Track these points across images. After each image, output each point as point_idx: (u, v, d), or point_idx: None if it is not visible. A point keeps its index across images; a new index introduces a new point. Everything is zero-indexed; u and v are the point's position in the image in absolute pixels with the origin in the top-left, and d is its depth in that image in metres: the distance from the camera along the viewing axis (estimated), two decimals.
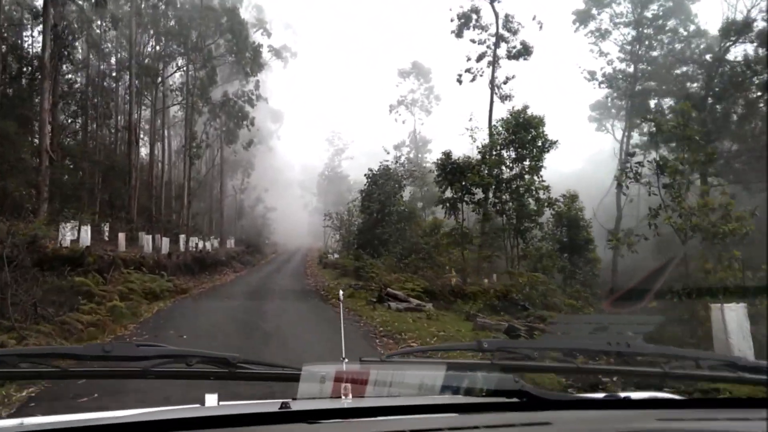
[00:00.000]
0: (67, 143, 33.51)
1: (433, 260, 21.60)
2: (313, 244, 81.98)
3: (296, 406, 1.44)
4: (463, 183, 21.49)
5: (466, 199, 21.87)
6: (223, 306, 15.96)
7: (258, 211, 75.08)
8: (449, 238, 21.48)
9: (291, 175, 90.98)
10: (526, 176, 20.25)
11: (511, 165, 20.46)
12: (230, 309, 14.91)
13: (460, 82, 26.42)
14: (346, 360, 1.73)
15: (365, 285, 18.50)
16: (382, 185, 25.33)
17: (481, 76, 26.05)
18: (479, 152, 21.30)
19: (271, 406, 1.43)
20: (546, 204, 20.27)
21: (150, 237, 24.83)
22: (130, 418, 1.45)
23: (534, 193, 20.16)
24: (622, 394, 1.71)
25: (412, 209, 25.85)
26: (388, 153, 34.90)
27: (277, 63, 56.22)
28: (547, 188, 21.45)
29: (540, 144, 20.81)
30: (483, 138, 23.45)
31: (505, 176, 20.64)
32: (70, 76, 35.47)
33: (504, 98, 24.65)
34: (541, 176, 20.59)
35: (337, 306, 13.85)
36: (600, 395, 1.75)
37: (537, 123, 20.72)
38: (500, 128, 21.56)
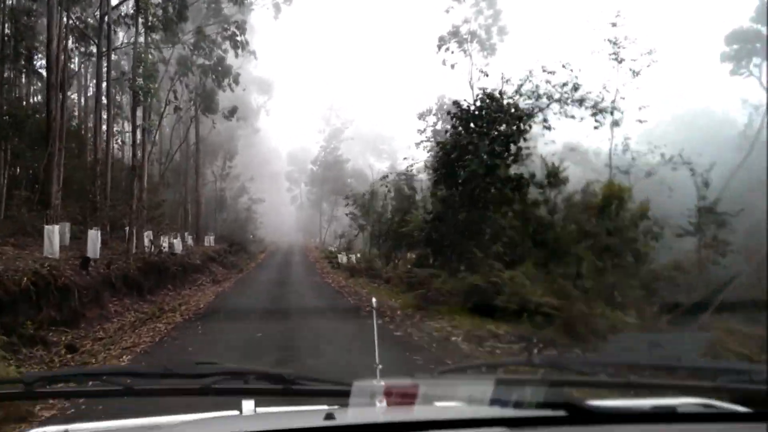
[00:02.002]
0: None
1: (634, 269, 10.49)
2: (306, 242, 71.11)
3: (341, 416, 1.40)
4: None
5: None
6: None
7: (242, 203, 63.14)
8: None
9: (278, 164, 79.61)
10: None
11: None
12: None
13: None
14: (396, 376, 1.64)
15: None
16: (488, 125, 13.80)
17: None
18: None
19: (315, 415, 1.41)
20: None
21: (54, 228, 13.44)
22: (171, 426, 1.63)
23: None
24: (675, 404, 1.56)
25: (553, 172, 13.98)
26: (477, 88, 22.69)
27: (267, 12, 44.64)
28: None
29: None
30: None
31: None
32: None
33: None
34: None
35: None
36: (650, 405, 1.57)
37: None
38: None
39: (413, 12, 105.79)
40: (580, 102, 14.49)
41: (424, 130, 41.31)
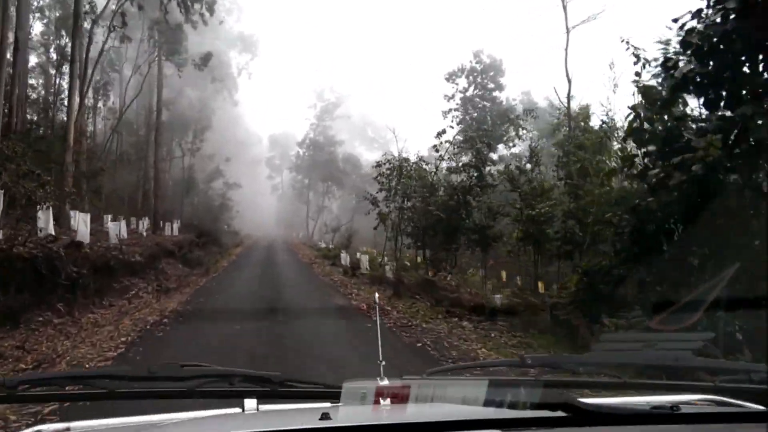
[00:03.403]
0: None
1: None
2: (288, 236, 61.98)
3: (335, 414, 1.40)
4: None
5: None
6: None
7: (216, 188, 53.19)
8: None
9: (258, 149, 69.96)
10: None
11: None
12: None
13: None
14: (387, 376, 1.66)
15: None
16: None
17: None
18: None
19: (311, 413, 1.41)
20: None
21: None
22: (174, 424, 1.60)
23: None
24: (673, 403, 1.49)
25: None
26: None
27: None
28: None
29: None
30: None
31: None
32: None
33: None
34: None
35: None
36: (648, 404, 1.53)
37: None
38: None
39: None
40: None
41: (453, 96, 32.39)
